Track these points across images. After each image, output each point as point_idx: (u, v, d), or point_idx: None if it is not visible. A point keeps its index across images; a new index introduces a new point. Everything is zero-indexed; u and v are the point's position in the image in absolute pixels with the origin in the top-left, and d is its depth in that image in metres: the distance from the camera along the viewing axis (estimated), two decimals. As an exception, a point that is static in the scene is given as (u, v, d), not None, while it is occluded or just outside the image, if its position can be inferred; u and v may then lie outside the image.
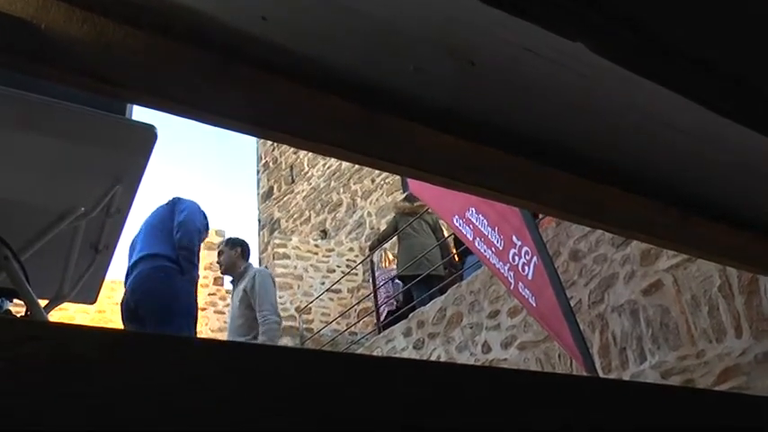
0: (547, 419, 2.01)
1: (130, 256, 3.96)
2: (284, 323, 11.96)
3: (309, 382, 1.53)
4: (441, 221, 7.56)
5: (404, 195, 9.26)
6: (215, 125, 1.10)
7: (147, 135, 1.81)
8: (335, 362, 1.32)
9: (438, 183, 1.52)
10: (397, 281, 8.52)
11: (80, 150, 1.80)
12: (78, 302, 3.10)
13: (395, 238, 8.44)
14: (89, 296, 2.54)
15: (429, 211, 7.34)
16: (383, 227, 10.81)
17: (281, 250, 12.82)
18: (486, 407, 1.87)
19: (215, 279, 12.53)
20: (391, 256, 9.17)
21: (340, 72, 1.16)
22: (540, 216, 5.21)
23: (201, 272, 12.85)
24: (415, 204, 7.78)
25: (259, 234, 16.00)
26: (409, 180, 5.80)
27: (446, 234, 7.82)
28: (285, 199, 15.32)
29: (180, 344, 1.03)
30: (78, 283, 2.32)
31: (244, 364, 1.14)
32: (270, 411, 1.46)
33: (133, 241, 4.05)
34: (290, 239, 13.32)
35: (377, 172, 12.60)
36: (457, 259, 7.96)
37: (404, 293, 8.13)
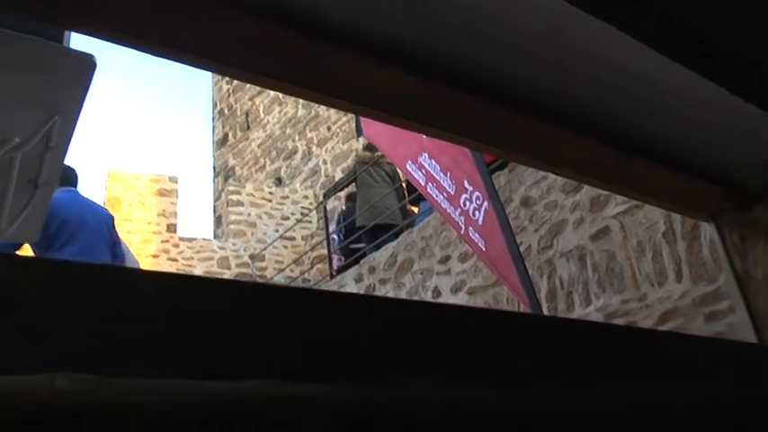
0: (491, 354, 2.06)
1: (60, 231, 3.77)
2: (237, 270, 11.95)
3: (252, 321, 1.54)
4: (399, 171, 7.57)
5: (363, 145, 9.22)
6: (159, 56, 1.08)
7: (86, 65, 1.75)
8: (280, 296, 1.34)
9: (387, 121, 1.52)
10: (333, 236, 8.58)
11: (13, 78, 1.74)
12: (17, 240, 3.03)
13: (350, 186, 8.44)
14: (29, 234, 2.47)
15: (389, 161, 7.34)
16: (339, 175, 10.79)
17: (235, 197, 12.73)
18: (432, 343, 1.90)
19: (168, 226, 12.39)
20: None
21: (287, 3, 1.14)
22: (494, 163, 5.26)
23: (154, 218, 12.69)
24: (376, 154, 7.77)
25: (214, 181, 15.84)
26: (363, 125, 5.77)
27: (404, 183, 7.85)
28: (240, 146, 15.15)
29: (114, 275, 1.03)
30: (16, 219, 2.25)
31: (181, 298, 1.14)
32: (210, 350, 1.47)
33: (65, 220, 3.83)
34: (245, 187, 13.23)
35: (333, 120, 12.50)
36: (411, 207, 8.00)
37: (367, 240, 8.15)
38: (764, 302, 3.76)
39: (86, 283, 0.92)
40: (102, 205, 4.05)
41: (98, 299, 0.98)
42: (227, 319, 1.50)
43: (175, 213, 12.58)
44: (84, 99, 1.77)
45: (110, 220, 4.11)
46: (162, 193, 12.46)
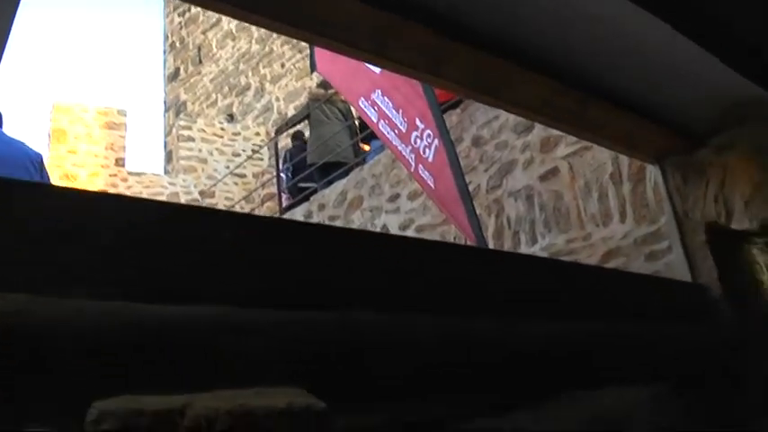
0: (434, 283, 2.08)
1: None
2: (186, 205, 11.79)
3: (198, 246, 1.53)
4: (352, 108, 7.51)
5: (317, 82, 9.09)
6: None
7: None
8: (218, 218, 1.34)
9: (340, 51, 1.50)
10: (282, 174, 8.53)
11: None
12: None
13: (301, 124, 8.36)
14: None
15: (342, 99, 7.27)
16: (291, 113, 10.66)
17: (185, 132, 12.52)
18: (378, 272, 1.92)
19: (116, 160, 12.14)
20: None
21: None
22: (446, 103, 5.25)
23: (102, 152, 12.40)
24: (329, 92, 7.68)
25: (164, 116, 15.51)
26: (317, 60, 5.69)
27: (357, 121, 7.79)
28: (192, 81, 14.81)
29: (57, 195, 1.01)
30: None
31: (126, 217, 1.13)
32: (155, 274, 1.46)
33: None
34: (196, 122, 12.99)
35: (287, 57, 12.28)
36: (363, 145, 7.97)
37: (318, 177, 8.10)
38: (700, 243, 3.89)
39: (25, 203, 0.90)
40: (30, 146, 3.92)
41: (39, 220, 0.96)
42: (172, 242, 1.49)
43: (124, 147, 12.33)
44: (13, 17, 1.69)
45: (38, 159, 4.00)
46: (110, 126, 12.18)
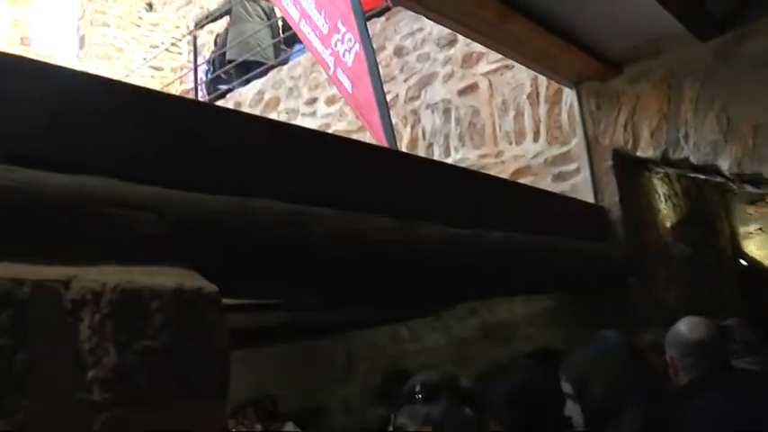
0: (333, 177, 2.05)
1: None
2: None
3: (84, 115, 1.44)
4: (275, 8, 7.23)
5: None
6: None
7: None
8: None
9: None
10: (201, 71, 8.25)
11: None
12: None
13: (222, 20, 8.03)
14: None
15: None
16: (213, 7, 10.21)
17: (100, 17, 11.83)
18: (280, 164, 1.86)
19: (21, 39, 11.42)
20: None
21: None
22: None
23: (6, 28, 11.61)
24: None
25: (78, -2, 14.61)
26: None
27: (279, 22, 7.53)
28: (109, -39, 13.93)
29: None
30: None
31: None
32: (37, 141, 1.37)
33: None
34: (111, 7, 12.29)
35: (211, -54, 11.69)
36: (285, 47, 7.74)
37: (236, 75, 7.84)
38: (606, 167, 3.99)
39: None
40: None
41: None
42: (67, 111, 1.39)
43: (30, 25, 11.58)
44: None
45: None
46: (13, 1, 11.41)
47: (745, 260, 6.16)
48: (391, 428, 3.07)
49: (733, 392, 2.31)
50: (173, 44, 11.58)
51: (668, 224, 4.61)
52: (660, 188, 4.62)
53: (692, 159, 3.73)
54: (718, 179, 3.96)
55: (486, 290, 3.01)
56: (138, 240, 1.40)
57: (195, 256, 1.49)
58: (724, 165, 3.62)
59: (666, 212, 4.63)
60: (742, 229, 6.27)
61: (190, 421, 1.35)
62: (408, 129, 4.97)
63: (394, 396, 3.63)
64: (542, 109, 4.32)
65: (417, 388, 1.47)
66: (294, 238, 1.76)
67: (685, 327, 2.44)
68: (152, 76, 11.90)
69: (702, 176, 4.08)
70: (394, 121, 4.36)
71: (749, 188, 3.84)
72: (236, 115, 2.04)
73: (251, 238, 1.65)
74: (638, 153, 3.94)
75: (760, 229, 6.20)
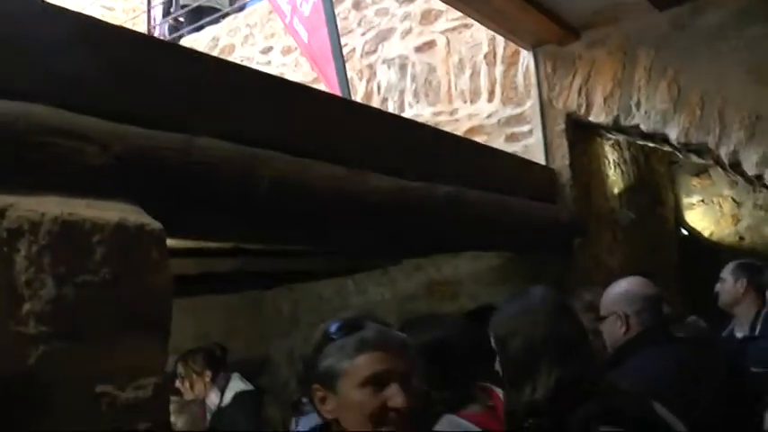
0: (294, 120, 2.02)
1: None
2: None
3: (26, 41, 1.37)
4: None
5: None
6: None
7: None
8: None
9: None
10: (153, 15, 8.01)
11: None
12: None
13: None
14: None
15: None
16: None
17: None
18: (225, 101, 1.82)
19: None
20: None
21: None
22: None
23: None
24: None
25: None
26: None
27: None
28: None
29: None
30: None
31: None
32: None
33: None
34: (59, -58, 11.81)
35: None
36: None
37: (190, 20, 7.61)
38: (559, 130, 4.02)
39: None
40: None
41: None
42: (8, 35, 1.32)
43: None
44: None
45: None
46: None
47: (687, 230, 6.33)
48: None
49: (677, 348, 2.43)
50: (125, -17, 11.23)
51: (615, 190, 4.70)
52: (610, 155, 4.69)
53: (643, 127, 3.79)
54: (666, 148, 4.03)
55: (434, 245, 3.03)
56: (80, 172, 1.36)
57: (139, 191, 1.46)
58: (672, 133, 3.68)
59: (614, 179, 4.70)
60: (685, 200, 6.42)
61: (130, 358, 1.33)
62: (363, 83, 4.93)
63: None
64: (498, 69, 4.33)
65: (335, 326, 1.42)
66: (241, 181, 1.73)
67: (637, 284, 2.49)
68: (103, 16, 11.54)
69: (651, 144, 4.15)
70: (349, 74, 4.31)
71: (694, 158, 3.91)
72: (185, 52, 1.99)
73: (196, 176, 1.62)
74: (591, 118, 3.98)
75: (702, 200, 6.36)
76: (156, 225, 1.40)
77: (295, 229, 2.05)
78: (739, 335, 3.39)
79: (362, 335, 1.38)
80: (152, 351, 1.38)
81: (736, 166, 3.53)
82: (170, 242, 1.45)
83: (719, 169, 4.31)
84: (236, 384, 3.44)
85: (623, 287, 2.48)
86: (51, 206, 1.24)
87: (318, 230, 2.11)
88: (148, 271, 1.36)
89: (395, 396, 1.33)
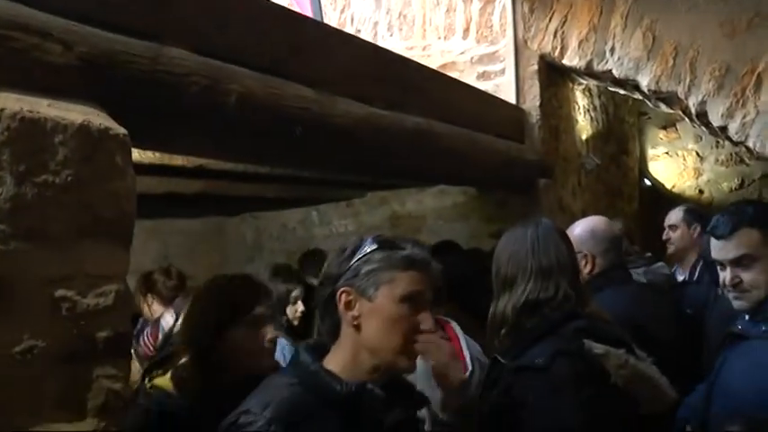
0: (263, 35, 1.98)
1: None
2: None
3: None
4: None
5: None
6: None
7: None
8: None
9: None
10: None
11: None
12: None
13: None
14: None
15: None
16: None
17: None
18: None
19: None
20: None
21: None
22: None
23: None
24: None
25: None
26: None
27: None
28: None
29: None
30: None
31: None
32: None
33: None
34: None
35: None
36: None
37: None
38: (531, 71, 4.01)
39: None
40: None
41: None
42: None
43: None
44: None
45: None
46: None
47: (650, 180, 6.42)
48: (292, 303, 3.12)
49: (637, 288, 2.61)
50: None
51: (584, 136, 4.73)
52: (581, 100, 4.71)
53: (615, 72, 3.80)
54: (636, 96, 4.05)
55: (400, 175, 3.03)
56: (41, 70, 1.32)
57: (104, 96, 1.43)
58: (643, 81, 3.70)
59: (583, 125, 4.73)
60: (651, 152, 6.50)
61: (92, 264, 1.31)
62: (337, 13, 4.83)
63: (308, 271, 3.69)
64: (475, 6, 4.27)
65: (379, 238, 1.41)
66: (208, 95, 1.71)
67: (602, 224, 2.54)
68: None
69: (622, 92, 4.16)
70: (322, 2, 4.24)
71: (663, 107, 3.94)
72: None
73: (163, 86, 1.59)
74: (565, 61, 3.97)
75: (667, 153, 6.44)
76: (121, 130, 1.37)
77: (261, 148, 2.03)
78: (680, 278, 3.48)
79: (412, 252, 1.38)
80: (114, 258, 1.37)
81: (702, 117, 3.57)
82: (134, 156, 1.43)
83: (686, 123, 4.35)
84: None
85: (589, 227, 2.51)
86: (11, 102, 1.21)
87: (284, 151, 2.09)
88: (112, 176, 1.34)
89: (427, 320, 1.36)
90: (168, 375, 1.82)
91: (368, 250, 1.37)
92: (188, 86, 1.64)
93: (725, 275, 1.93)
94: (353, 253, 1.38)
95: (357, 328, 1.36)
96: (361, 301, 1.35)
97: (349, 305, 1.36)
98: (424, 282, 1.37)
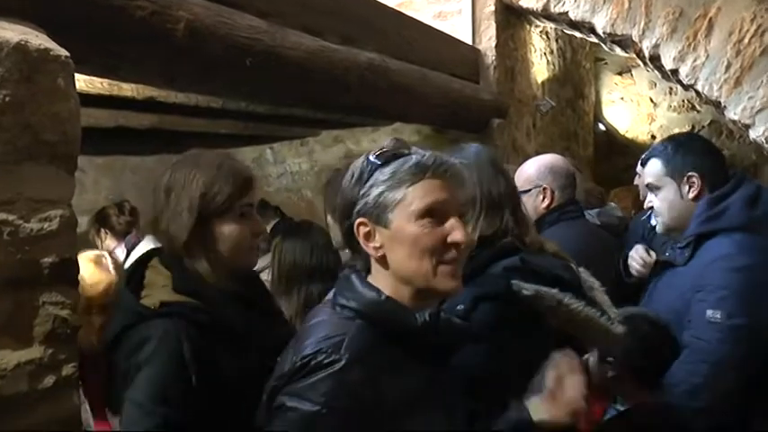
0: None
1: None
2: None
3: None
4: None
5: None
6: None
7: None
8: None
9: None
10: None
11: None
12: None
13: None
14: None
15: None
16: None
17: None
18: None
19: None
20: None
21: None
22: None
23: None
24: None
25: None
26: None
27: None
28: None
29: None
30: None
31: None
32: None
33: None
34: None
35: None
36: None
37: None
38: (488, 12, 3.98)
39: None
40: None
41: None
42: None
43: None
44: None
45: None
46: None
47: (604, 125, 6.51)
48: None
49: (588, 224, 2.74)
50: None
51: (539, 79, 4.75)
52: (537, 43, 4.71)
53: (571, 14, 3.80)
54: (592, 38, 4.06)
55: (353, 111, 3.02)
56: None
57: (44, 16, 1.39)
58: (599, 23, 3.71)
59: (539, 68, 4.75)
60: (606, 97, 6.57)
61: (35, 189, 1.29)
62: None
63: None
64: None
65: (380, 151, 1.25)
66: (156, 20, 1.67)
67: (559, 159, 2.59)
68: None
69: (578, 34, 4.17)
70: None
71: (618, 50, 3.97)
72: None
73: (106, 8, 1.55)
74: (522, 3, 3.96)
75: (622, 98, 6.52)
76: (63, 52, 1.33)
77: (210, 78, 2.01)
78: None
79: (417, 159, 1.21)
80: (58, 183, 1.34)
81: (655, 60, 3.60)
82: (81, 86, 1.40)
83: (642, 70, 4.38)
84: (147, 245, 3.43)
85: (548, 162, 2.55)
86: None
87: (234, 82, 2.08)
88: (54, 99, 1.31)
89: (455, 230, 1.21)
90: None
91: (372, 169, 1.23)
92: (134, 10, 1.61)
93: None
94: (360, 177, 1.25)
95: (383, 259, 1.24)
96: (379, 230, 1.23)
97: (368, 237, 1.24)
98: (443, 188, 1.21)
